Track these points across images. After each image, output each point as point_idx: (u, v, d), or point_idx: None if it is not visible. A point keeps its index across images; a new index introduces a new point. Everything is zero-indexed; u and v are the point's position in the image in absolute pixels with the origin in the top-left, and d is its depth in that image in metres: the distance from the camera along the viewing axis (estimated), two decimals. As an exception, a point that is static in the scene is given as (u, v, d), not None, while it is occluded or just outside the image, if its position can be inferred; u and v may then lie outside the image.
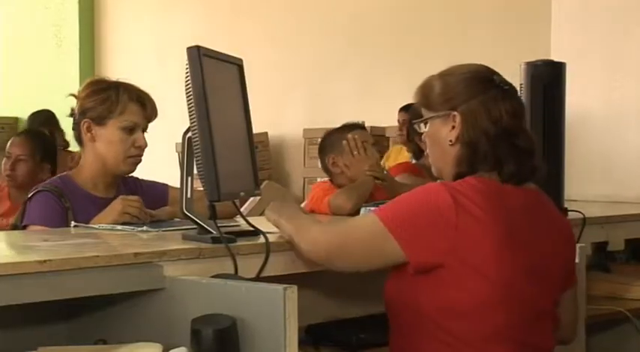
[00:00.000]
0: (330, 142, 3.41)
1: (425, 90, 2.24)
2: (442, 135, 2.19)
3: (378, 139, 5.84)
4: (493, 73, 2.22)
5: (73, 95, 2.84)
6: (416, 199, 2.10)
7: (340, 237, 2.16)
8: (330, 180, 3.44)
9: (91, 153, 2.79)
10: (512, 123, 2.16)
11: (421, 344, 2.12)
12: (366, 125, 3.59)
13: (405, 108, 6.04)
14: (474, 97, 2.16)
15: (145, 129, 2.82)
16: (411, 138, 3.66)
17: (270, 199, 2.37)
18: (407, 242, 2.05)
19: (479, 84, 2.19)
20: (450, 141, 2.17)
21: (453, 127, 2.17)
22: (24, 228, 2.70)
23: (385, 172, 3.35)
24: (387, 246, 2.07)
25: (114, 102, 2.75)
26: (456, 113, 2.16)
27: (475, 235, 2.04)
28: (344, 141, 3.31)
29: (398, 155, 5.65)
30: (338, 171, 3.35)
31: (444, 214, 2.04)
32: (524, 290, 2.11)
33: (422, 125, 2.26)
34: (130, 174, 2.88)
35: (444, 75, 2.23)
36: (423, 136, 2.27)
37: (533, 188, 2.23)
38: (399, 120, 6.03)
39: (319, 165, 3.44)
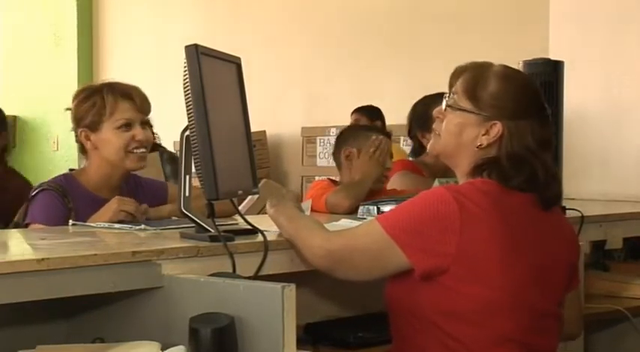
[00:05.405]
0: (354, 135, 3.38)
1: (476, 80, 2.18)
2: (471, 133, 2.16)
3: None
4: (540, 92, 2.22)
5: (69, 109, 2.83)
6: (419, 206, 2.08)
7: (343, 247, 2.13)
8: (330, 179, 3.43)
9: (97, 159, 2.78)
10: (549, 147, 2.17)
11: (424, 349, 2.11)
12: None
13: (359, 110, 6.07)
14: (523, 118, 2.14)
15: (144, 124, 2.79)
16: (413, 134, 3.64)
17: (268, 197, 2.37)
18: (412, 250, 2.05)
19: (532, 104, 2.17)
20: (480, 144, 2.15)
21: (486, 132, 2.14)
22: (26, 226, 2.70)
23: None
24: (391, 254, 2.06)
25: (101, 105, 2.74)
26: (498, 123, 2.13)
27: (480, 240, 2.03)
28: (372, 138, 3.28)
29: None
30: (348, 165, 3.33)
31: (449, 220, 2.03)
32: (529, 294, 2.10)
33: (450, 106, 2.21)
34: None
35: (500, 76, 2.18)
36: (442, 110, 2.22)
37: None
38: (351, 123, 6.04)
39: (318, 162, 3.44)
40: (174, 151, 5.79)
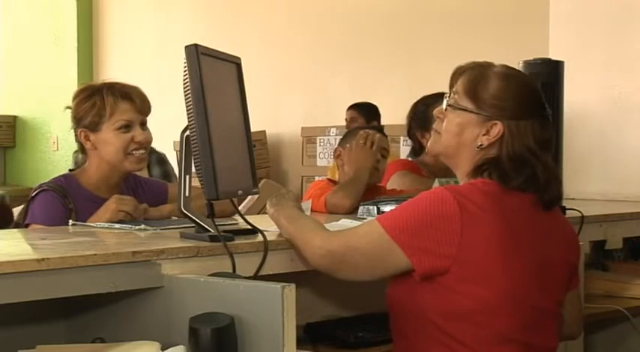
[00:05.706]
0: (345, 135, 3.41)
1: (477, 79, 2.17)
2: (472, 133, 2.16)
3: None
4: (540, 92, 2.22)
5: (69, 107, 2.83)
6: (420, 207, 2.08)
7: (344, 247, 2.12)
8: (329, 179, 3.43)
9: (96, 159, 2.78)
10: (549, 147, 2.17)
11: (424, 349, 2.11)
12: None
13: (354, 107, 6.08)
14: (524, 118, 2.14)
15: (143, 124, 2.79)
16: (412, 134, 3.64)
17: (268, 197, 2.37)
18: (412, 250, 2.04)
19: (532, 104, 2.17)
20: (481, 144, 2.15)
21: (487, 132, 2.14)
22: (26, 226, 2.70)
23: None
24: (392, 255, 2.06)
25: (101, 106, 2.74)
26: (498, 123, 2.13)
27: (481, 241, 2.03)
28: (359, 133, 3.29)
29: None
30: (340, 164, 3.34)
31: (449, 221, 2.03)
32: (529, 294, 2.10)
33: (450, 105, 2.20)
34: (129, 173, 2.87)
35: (501, 76, 2.17)
36: (443, 110, 2.21)
37: None
38: (346, 119, 6.05)
39: (318, 162, 3.44)
40: (164, 152, 5.80)
